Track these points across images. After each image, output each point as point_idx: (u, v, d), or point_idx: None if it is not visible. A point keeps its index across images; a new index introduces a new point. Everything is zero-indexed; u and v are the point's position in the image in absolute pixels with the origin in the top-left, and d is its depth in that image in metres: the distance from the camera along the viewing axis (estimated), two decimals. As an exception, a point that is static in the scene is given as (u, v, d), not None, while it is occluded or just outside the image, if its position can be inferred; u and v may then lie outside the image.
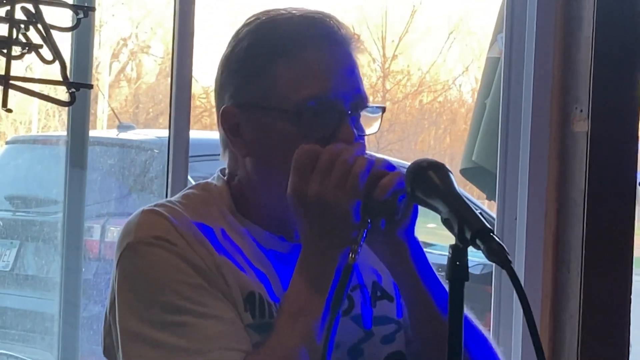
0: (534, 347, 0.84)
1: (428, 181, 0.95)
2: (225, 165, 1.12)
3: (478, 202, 5.28)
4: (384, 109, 1.14)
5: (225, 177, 1.11)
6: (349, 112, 1.04)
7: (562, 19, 2.38)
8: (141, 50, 8.92)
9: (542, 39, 2.38)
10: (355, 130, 1.04)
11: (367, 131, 1.10)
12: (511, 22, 2.46)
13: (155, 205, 1.07)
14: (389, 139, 10.19)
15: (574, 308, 2.27)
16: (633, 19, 2.30)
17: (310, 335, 0.98)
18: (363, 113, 1.08)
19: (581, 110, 2.29)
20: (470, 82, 10.81)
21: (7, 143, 5.60)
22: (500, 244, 0.84)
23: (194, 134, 2.41)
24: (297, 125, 1.03)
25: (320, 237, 0.99)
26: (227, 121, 1.07)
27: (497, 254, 0.83)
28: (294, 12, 1.08)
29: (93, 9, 2.04)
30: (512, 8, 2.45)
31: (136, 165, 4.25)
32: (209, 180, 1.14)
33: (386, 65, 10.54)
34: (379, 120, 1.11)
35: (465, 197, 1.01)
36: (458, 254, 0.86)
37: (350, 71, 1.07)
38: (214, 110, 1.14)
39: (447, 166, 0.98)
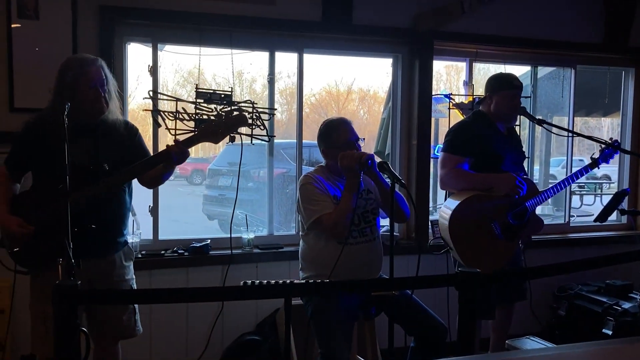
0: None
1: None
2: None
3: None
4: None
5: (324, 163, 3.84)
6: None
7: None
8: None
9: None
10: None
11: None
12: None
13: (308, 172, 3.82)
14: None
15: None
16: None
17: (349, 204, 3.57)
18: None
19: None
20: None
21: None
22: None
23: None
24: None
25: (352, 181, 3.60)
26: None
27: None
28: None
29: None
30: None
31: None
32: (322, 164, 3.87)
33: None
34: None
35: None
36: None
37: None
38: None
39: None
